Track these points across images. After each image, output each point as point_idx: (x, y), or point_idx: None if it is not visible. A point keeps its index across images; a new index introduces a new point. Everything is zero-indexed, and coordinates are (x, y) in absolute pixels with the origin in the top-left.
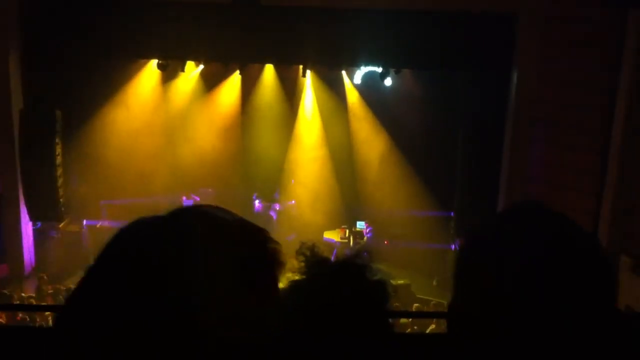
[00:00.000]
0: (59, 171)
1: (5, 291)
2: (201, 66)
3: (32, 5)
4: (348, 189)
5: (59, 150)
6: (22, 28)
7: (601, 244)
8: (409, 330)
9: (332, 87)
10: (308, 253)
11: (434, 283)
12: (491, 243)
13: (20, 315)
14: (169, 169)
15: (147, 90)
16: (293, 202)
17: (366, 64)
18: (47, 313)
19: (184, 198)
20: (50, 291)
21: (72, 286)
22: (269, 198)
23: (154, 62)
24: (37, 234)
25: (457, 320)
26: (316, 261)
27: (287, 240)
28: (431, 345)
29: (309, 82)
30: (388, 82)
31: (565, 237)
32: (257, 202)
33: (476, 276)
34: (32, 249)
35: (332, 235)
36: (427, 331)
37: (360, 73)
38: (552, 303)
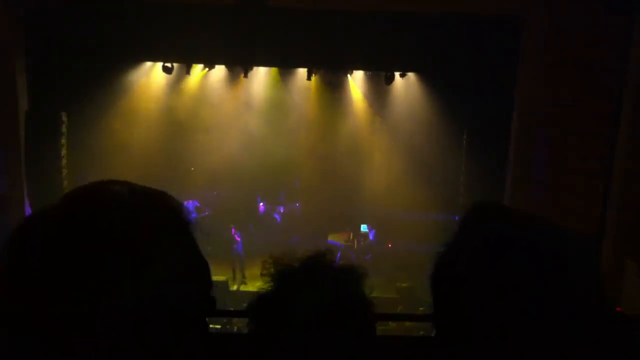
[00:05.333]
0: (64, 173)
1: None
2: (207, 69)
3: (37, 7)
4: (353, 191)
5: (64, 152)
6: (28, 30)
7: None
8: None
9: (338, 90)
10: (272, 269)
11: None
12: (451, 242)
13: None
14: (173, 172)
15: (153, 93)
16: (297, 204)
17: (371, 67)
18: None
19: (185, 202)
20: None
21: None
22: (274, 200)
23: (159, 65)
24: None
25: (437, 323)
26: (282, 272)
27: (292, 242)
28: (420, 348)
29: (314, 85)
30: (393, 85)
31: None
32: (261, 205)
33: (440, 271)
34: None
35: (337, 238)
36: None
37: (365, 76)
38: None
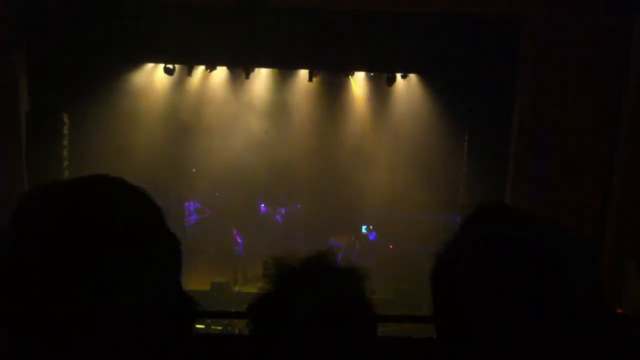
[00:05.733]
0: (66, 174)
1: None
2: (208, 70)
3: (38, 7)
4: (354, 193)
5: (65, 153)
6: (29, 30)
7: (572, 241)
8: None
9: (339, 91)
10: (273, 270)
11: None
12: (452, 241)
13: None
14: (175, 173)
15: (154, 94)
16: (299, 205)
17: (373, 69)
18: None
19: (187, 203)
20: None
21: None
22: (275, 202)
23: (161, 66)
24: None
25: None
26: (283, 272)
27: (293, 243)
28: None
29: (315, 86)
30: (395, 86)
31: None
32: (262, 206)
33: (440, 272)
34: None
35: (338, 239)
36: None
37: (367, 77)
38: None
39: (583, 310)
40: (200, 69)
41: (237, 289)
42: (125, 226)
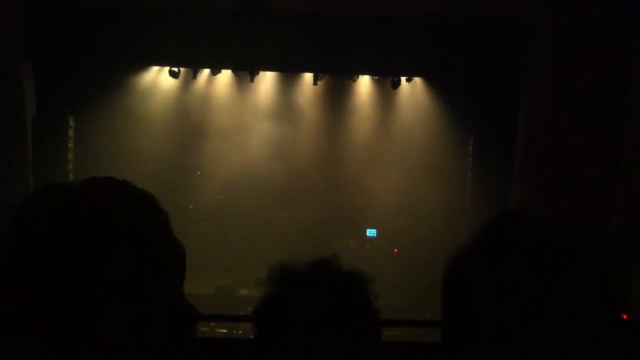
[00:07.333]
0: (71, 177)
1: None
2: (213, 74)
3: (43, 12)
4: (359, 196)
5: (71, 155)
6: (35, 34)
7: (584, 248)
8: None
9: (344, 94)
10: (279, 274)
11: None
12: (468, 247)
13: None
14: (180, 176)
15: (160, 97)
16: (304, 209)
17: (377, 72)
18: None
19: (191, 206)
20: None
21: None
22: (280, 205)
23: (166, 70)
24: None
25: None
26: (287, 276)
27: (298, 247)
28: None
29: (320, 90)
30: (400, 89)
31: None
32: (268, 209)
33: (454, 279)
34: None
35: (342, 243)
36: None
37: (371, 80)
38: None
39: (587, 313)
40: (206, 72)
41: (241, 292)
42: (126, 227)
